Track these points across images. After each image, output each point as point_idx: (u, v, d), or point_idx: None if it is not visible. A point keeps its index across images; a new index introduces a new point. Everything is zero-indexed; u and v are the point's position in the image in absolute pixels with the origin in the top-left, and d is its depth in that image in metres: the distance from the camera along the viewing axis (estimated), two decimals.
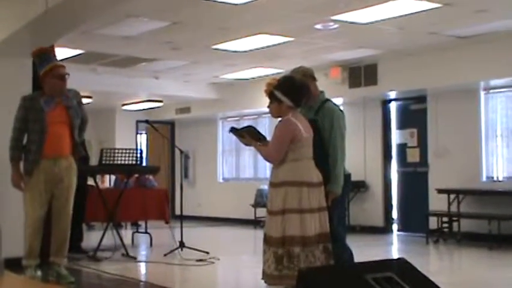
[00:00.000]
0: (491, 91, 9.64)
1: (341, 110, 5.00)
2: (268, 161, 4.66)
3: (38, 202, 5.46)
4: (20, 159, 5.52)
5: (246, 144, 4.80)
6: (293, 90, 4.55)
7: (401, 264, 3.65)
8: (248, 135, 4.67)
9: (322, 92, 5.02)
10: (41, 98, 5.48)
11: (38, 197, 5.45)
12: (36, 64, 5.68)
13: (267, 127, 13.20)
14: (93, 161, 9.64)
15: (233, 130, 4.74)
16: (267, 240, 4.44)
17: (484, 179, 9.67)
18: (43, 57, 5.53)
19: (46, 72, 5.47)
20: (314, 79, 4.99)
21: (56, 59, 5.62)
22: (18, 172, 5.50)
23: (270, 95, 4.57)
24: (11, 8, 6.36)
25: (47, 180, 5.46)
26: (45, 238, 5.64)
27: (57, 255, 5.61)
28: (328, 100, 4.98)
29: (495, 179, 9.61)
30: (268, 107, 4.62)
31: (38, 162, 5.41)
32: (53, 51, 5.66)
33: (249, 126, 4.73)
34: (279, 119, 4.58)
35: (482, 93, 9.72)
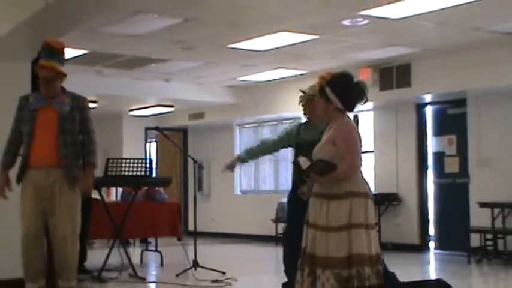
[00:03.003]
0: None
1: None
2: (350, 174, 4.37)
3: (28, 216, 5.30)
4: (9, 165, 5.43)
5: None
6: (346, 91, 4.42)
7: (440, 286, 3.59)
8: (316, 169, 4.42)
9: None
10: (31, 96, 5.45)
11: (27, 210, 5.30)
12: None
13: None
14: (98, 172, 9.64)
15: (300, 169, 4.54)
16: (322, 262, 4.24)
17: None
18: (41, 50, 5.47)
19: (36, 68, 5.50)
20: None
21: (49, 57, 5.47)
22: (2, 178, 5.40)
23: (320, 89, 4.45)
24: (7, 4, 6.39)
25: (37, 194, 5.31)
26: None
27: (61, 279, 5.42)
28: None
29: None
30: (301, 102, 4.55)
31: (25, 168, 5.32)
32: (53, 46, 5.55)
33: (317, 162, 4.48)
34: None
35: None
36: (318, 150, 4.45)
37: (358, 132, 4.42)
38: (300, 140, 5.66)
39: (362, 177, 4.43)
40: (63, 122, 5.40)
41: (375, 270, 4.19)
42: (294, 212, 5.50)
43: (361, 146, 4.43)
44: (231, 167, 6.12)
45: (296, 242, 4.73)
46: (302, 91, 5.75)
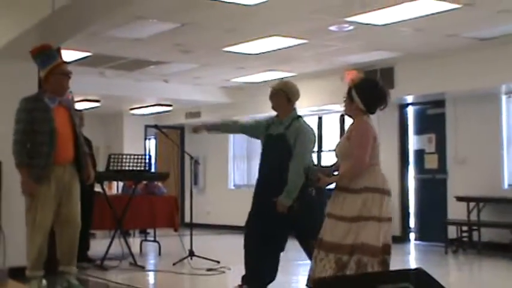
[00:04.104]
0: None
1: (311, 129, 5.45)
2: (359, 171, 4.44)
3: (49, 210, 5.32)
4: (27, 164, 5.30)
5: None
6: (369, 95, 4.55)
7: (419, 275, 3.62)
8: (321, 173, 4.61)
9: (294, 109, 5.48)
10: (44, 97, 5.38)
11: (49, 205, 5.31)
12: (37, 63, 5.56)
13: None
14: (101, 166, 9.67)
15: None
16: (328, 246, 4.34)
17: (506, 186, 9.62)
18: (46, 55, 5.45)
19: (50, 70, 5.38)
20: (289, 98, 5.43)
21: (60, 57, 5.55)
22: (29, 178, 5.29)
23: (348, 90, 4.61)
24: (17, 10, 6.41)
25: (57, 187, 5.35)
26: (51, 248, 5.59)
27: (67, 265, 5.49)
28: (299, 117, 5.43)
29: None
30: (345, 100, 4.66)
31: (50, 168, 5.26)
32: (57, 49, 5.62)
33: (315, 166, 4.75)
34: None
35: (503, 97, 9.68)
36: (337, 146, 4.62)
37: (373, 132, 4.50)
38: (268, 133, 5.58)
39: (379, 173, 4.50)
40: (74, 118, 5.49)
41: (379, 259, 4.25)
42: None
43: (376, 144, 4.49)
44: (196, 130, 5.98)
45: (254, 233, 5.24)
46: (271, 87, 5.73)
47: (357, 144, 4.43)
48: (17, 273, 5.66)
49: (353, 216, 4.32)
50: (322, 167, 4.89)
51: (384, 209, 4.37)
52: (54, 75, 5.40)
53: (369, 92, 4.58)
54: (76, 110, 5.59)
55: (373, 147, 4.46)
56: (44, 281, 5.58)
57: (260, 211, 5.42)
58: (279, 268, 5.43)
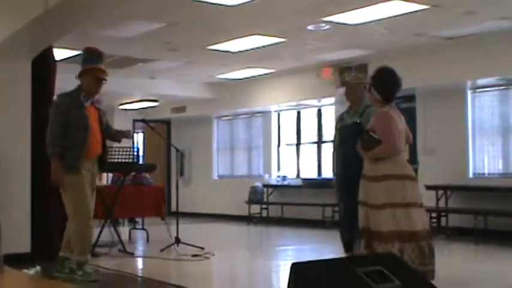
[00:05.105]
0: (478, 90, 9.67)
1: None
2: (391, 153, 4.44)
3: (90, 200, 5.39)
4: (61, 156, 5.31)
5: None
6: (383, 85, 4.54)
7: (390, 259, 3.66)
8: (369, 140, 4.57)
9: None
10: (80, 95, 5.44)
11: (88, 196, 5.38)
12: (81, 59, 5.61)
13: (260, 127, 13.22)
14: None
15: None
16: (376, 236, 4.36)
17: (471, 175, 9.71)
18: (90, 55, 5.53)
19: (86, 71, 5.46)
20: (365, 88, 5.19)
21: (101, 63, 5.55)
22: (60, 167, 5.31)
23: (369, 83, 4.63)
24: (10, 8, 6.34)
25: (88, 178, 5.44)
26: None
27: (83, 254, 5.44)
28: (370, 105, 5.29)
29: (481, 175, 9.65)
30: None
31: (81, 160, 5.32)
32: (102, 56, 5.63)
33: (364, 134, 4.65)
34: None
35: (469, 92, 9.75)
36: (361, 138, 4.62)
37: (394, 119, 4.47)
38: (342, 124, 5.59)
39: (402, 160, 4.46)
40: (103, 117, 5.58)
41: (412, 245, 4.28)
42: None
43: (399, 131, 4.46)
44: None
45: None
46: (344, 80, 5.73)
47: (384, 133, 4.43)
48: (13, 259, 5.61)
49: (380, 204, 4.36)
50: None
51: (409, 194, 4.35)
52: (87, 76, 5.46)
53: (382, 82, 4.53)
54: (103, 110, 5.66)
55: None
56: (38, 267, 5.56)
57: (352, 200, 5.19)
58: (262, 254, 5.44)
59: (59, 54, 8.29)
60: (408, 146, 4.80)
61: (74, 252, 5.38)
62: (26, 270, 5.63)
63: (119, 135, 5.83)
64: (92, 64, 5.48)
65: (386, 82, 4.53)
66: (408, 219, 4.30)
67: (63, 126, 5.31)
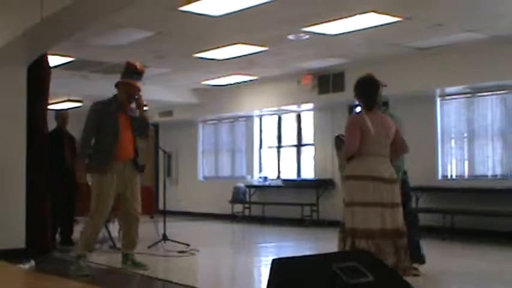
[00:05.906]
0: (446, 98, 9.78)
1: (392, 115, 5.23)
2: (348, 153, 4.46)
3: (109, 201, 5.50)
4: (86, 156, 5.57)
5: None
6: (361, 93, 4.58)
7: (364, 255, 3.70)
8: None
9: None
10: (113, 103, 5.59)
11: (109, 197, 5.49)
12: (122, 71, 5.78)
13: (243, 131, 13.25)
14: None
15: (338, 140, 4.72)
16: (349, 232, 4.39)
17: (440, 177, 9.81)
18: (127, 70, 5.68)
19: (120, 84, 5.65)
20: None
21: (137, 79, 5.66)
22: (84, 167, 5.55)
23: None
24: (7, 18, 6.31)
25: (118, 180, 5.52)
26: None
27: (128, 248, 5.80)
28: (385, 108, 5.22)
29: (449, 177, 9.76)
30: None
31: (109, 163, 5.44)
32: (142, 72, 5.73)
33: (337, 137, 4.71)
34: None
35: (438, 99, 9.86)
36: None
37: (361, 123, 4.42)
38: None
39: (366, 161, 4.40)
40: (134, 123, 5.66)
41: (375, 242, 4.27)
42: None
43: (370, 135, 4.42)
44: None
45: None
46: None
47: (345, 135, 4.48)
48: (8, 254, 5.59)
49: (347, 202, 4.41)
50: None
51: (369, 194, 4.34)
52: (121, 89, 5.64)
53: (359, 90, 4.57)
54: (135, 117, 5.73)
55: (365, 142, 4.39)
56: (32, 261, 5.54)
57: None
58: (245, 250, 5.45)
59: (54, 60, 8.26)
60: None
61: (78, 244, 5.57)
62: (20, 265, 5.60)
63: (139, 122, 5.77)
64: (126, 79, 5.62)
65: (364, 90, 4.58)
66: (366, 218, 4.31)
67: (94, 131, 5.50)
